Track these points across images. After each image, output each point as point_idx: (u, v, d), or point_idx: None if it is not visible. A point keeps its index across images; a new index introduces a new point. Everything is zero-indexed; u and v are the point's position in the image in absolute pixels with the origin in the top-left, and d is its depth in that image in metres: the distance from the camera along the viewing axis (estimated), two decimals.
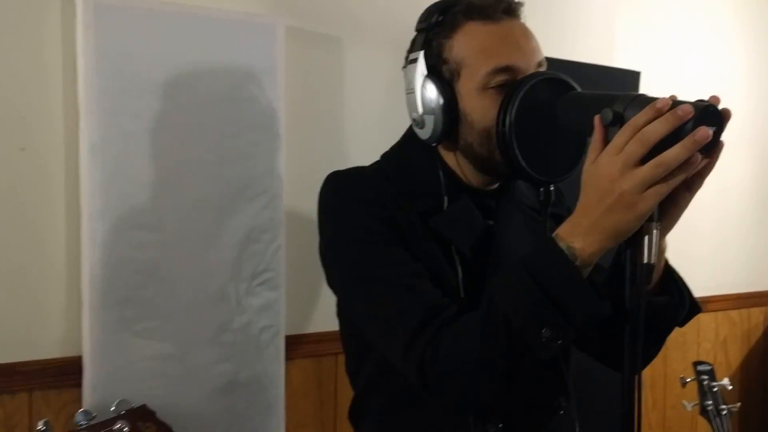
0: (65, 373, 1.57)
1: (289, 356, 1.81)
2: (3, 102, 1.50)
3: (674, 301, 1.03)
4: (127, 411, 0.89)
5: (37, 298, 1.56)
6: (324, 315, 1.88)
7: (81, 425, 0.86)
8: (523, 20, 1.12)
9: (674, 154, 0.81)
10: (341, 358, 1.93)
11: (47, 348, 1.57)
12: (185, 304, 1.63)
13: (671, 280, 1.04)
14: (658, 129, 0.82)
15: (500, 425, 1.03)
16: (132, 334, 1.57)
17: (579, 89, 1.05)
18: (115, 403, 0.89)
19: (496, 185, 1.16)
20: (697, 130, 0.81)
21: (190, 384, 1.63)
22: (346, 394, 1.94)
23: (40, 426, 0.84)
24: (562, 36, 2.26)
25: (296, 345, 1.83)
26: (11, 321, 1.54)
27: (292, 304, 1.79)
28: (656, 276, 1.02)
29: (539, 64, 1.09)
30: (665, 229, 0.93)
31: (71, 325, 1.58)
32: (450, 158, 1.14)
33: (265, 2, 1.77)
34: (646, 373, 2.44)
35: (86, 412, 0.87)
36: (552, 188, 1.08)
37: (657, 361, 2.59)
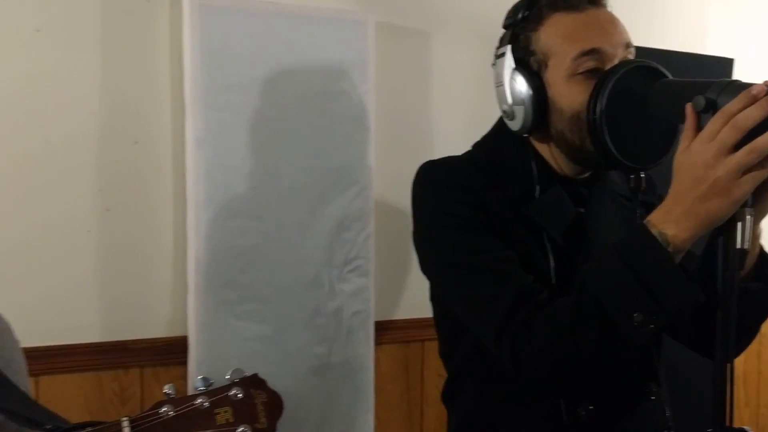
0: (172, 351, 1.69)
1: (378, 341, 1.88)
2: (119, 100, 1.62)
3: (762, 283, 1.03)
4: (241, 379, 0.97)
5: (147, 281, 1.68)
6: (411, 302, 1.94)
7: (200, 390, 0.94)
8: (609, 9, 1.13)
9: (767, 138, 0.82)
10: (428, 345, 1.99)
11: (156, 328, 1.70)
12: (282, 289, 1.71)
13: (766, 266, 1.04)
14: (753, 115, 0.83)
15: (591, 407, 1.06)
16: (233, 316, 1.68)
17: (670, 77, 1.06)
18: (230, 371, 0.97)
19: (587, 174, 1.18)
20: None
21: (286, 365, 1.72)
22: (433, 380, 2.01)
23: (166, 389, 0.93)
24: (649, 24, 2.23)
25: (385, 330, 1.90)
26: (124, 302, 1.67)
27: (380, 291, 1.86)
28: (750, 262, 1.02)
29: (627, 46, 1.10)
30: (759, 215, 0.93)
31: (177, 307, 1.69)
32: (543, 148, 1.16)
33: None
34: (739, 368, 2.39)
35: (205, 379, 0.95)
36: (642, 176, 1.09)
37: (751, 357, 2.54)
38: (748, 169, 0.84)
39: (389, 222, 1.86)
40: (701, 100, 0.90)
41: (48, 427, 0.92)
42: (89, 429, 0.91)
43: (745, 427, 0.93)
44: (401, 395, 1.98)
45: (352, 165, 1.78)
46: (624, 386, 1.11)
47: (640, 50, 1.15)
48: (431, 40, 1.94)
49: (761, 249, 1.04)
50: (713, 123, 0.87)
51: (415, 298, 1.73)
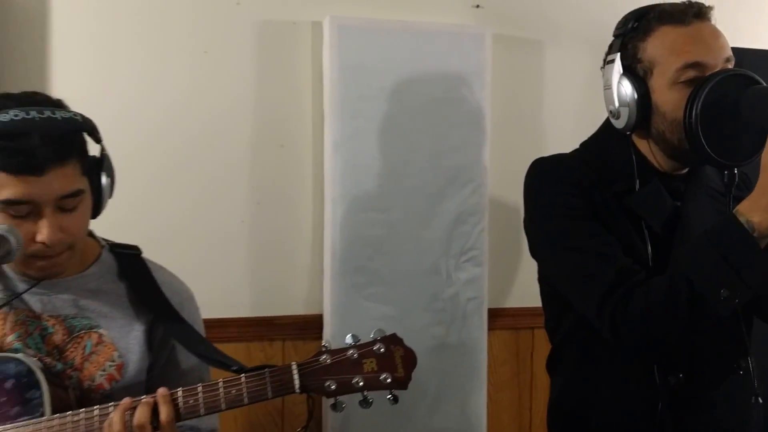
0: (309, 327, 1.93)
1: (491, 327, 2.04)
2: (268, 109, 1.88)
3: None
4: (383, 336, 1.17)
5: (289, 266, 1.93)
6: (522, 292, 2.10)
7: (350, 344, 1.15)
8: (713, 22, 1.26)
9: None
10: (537, 333, 2.15)
11: (296, 306, 1.95)
12: (404, 275, 1.92)
13: None
14: None
15: (680, 375, 1.20)
16: (362, 298, 1.90)
17: (763, 84, 1.18)
18: (374, 330, 1.18)
19: (685, 170, 1.31)
20: None
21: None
22: (542, 366, 2.15)
23: (324, 343, 1.15)
24: (756, 26, 2.27)
25: (497, 317, 2.07)
26: (270, 283, 1.93)
27: (493, 280, 2.03)
28: None
29: (727, 60, 1.22)
30: None
31: (315, 288, 1.94)
32: (643, 145, 1.30)
33: (475, 14, 2.02)
34: None
35: (354, 336, 1.16)
36: (736, 172, 1.21)
37: None
38: None
39: (502, 217, 2.03)
40: None
41: (234, 368, 1.17)
42: (267, 369, 1.15)
43: None
44: (511, 378, 2.14)
45: (468, 164, 1.96)
46: (714, 360, 1.24)
47: (744, 52, 1.25)
48: (545, 48, 2.09)
49: None
50: None
51: (526, 288, 1.87)
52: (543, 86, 2.09)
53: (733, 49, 1.27)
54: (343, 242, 1.88)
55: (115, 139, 1.35)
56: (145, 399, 1.13)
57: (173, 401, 1.13)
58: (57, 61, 1.74)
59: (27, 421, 1.15)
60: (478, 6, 2.02)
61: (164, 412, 1.12)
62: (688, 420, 1.22)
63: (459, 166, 1.96)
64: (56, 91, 1.67)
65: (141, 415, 1.11)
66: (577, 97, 2.10)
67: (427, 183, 1.94)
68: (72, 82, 1.73)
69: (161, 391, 1.14)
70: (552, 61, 2.09)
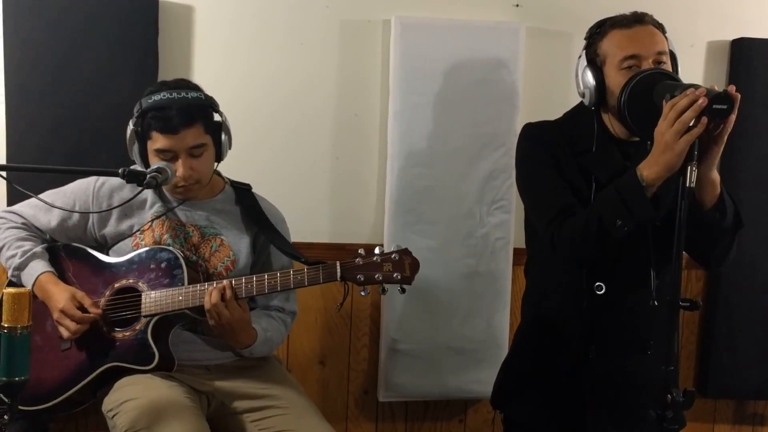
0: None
1: (515, 263, 2.56)
2: (347, 86, 2.47)
3: (718, 213, 1.60)
4: (398, 249, 1.75)
5: (359, 206, 2.52)
6: None
7: (377, 253, 1.75)
8: (652, 27, 1.73)
9: (688, 115, 1.45)
10: None
11: (362, 237, 2.54)
12: (446, 217, 2.48)
13: (722, 202, 1.61)
14: (684, 102, 1.45)
15: (601, 284, 1.71)
16: (412, 233, 2.48)
17: (677, 79, 1.64)
18: (394, 245, 1.77)
19: (637, 138, 1.78)
20: (701, 101, 1.42)
21: (447, 269, 2.49)
22: None
23: (360, 251, 1.76)
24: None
25: (521, 255, 2.54)
26: (344, 219, 2.52)
27: (518, 225, 2.52)
28: (713, 200, 1.59)
29: (659, 53, 1.69)
30: (708, 168, 1.53)
31: (377, 224, 2.53)
32: (606, 118, 1.79)
33: (514, 11, 2.51)
34: None
35: (380, 247, 1.76)
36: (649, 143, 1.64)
37: None
38: (682, 134, 1.46)
39: None
40: (668, 97, 1.52)
41: (303, 260, 1.81)
42: (321, 264, 1.77)
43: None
44: None
45: (501, 132, 2.47)
46: (626, 273, 1.74)
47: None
48: (573, 39, 2.54)
49: (722, 191, 1.61)
50: (666, 108, 1.49)
51: None
52: (569, 71, 2.52)
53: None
54: (399, 190, 2.46)
55: (237, 109, 1.97)
56: (218, 285, 1.74)
57: (234, 287, 1.74)
58: (197, 54, 2.39)
59: (173, 288, 1.82)
60: (517, 5, 2.51)
61: (227, 294, 1.74)
62: (604, 317, 1.75)
63: (493, 133, 2.47)
64: (197, 76, 2.36)
65: (214, 296, 1.73)
66: None
67: (467, 146, 2.47)
68: (208, 69, 2.38)
69: (226, 282, 1.76)
70: (577, 49, 2.51)
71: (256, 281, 1.77)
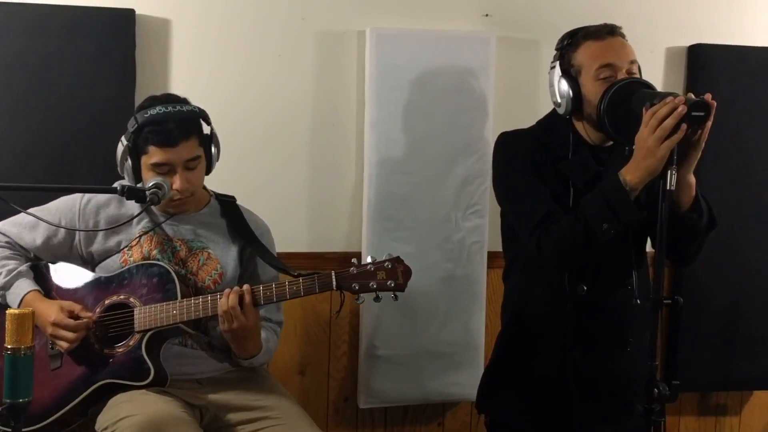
0: (349, 260, 2.55)
1: (489, 265, 2.61)
2: (324, 97, 2.50)
3: (695, 214, 1.70)
4: (391, 258, 1.79)
5: (336, 213, 2.56)
6: None
7: (370, 261, 1.78)
8: (622, 38, 1.82)
9: (669, 122, 1.53)
10: None
11: (339, 244, 2.57)
12: (423, 222, 2.53)
13: (698, 204, 1.71)
14: (664, 110, 1.54)
15: (584, 286, 1.79)
16: (390, 239, 2.51)
17: (653, 88, 1.72)
18: (386, 253, 1.80)
19: (610, 143, 1.86)
20: (680, 109, 1.50)
21: (424, 274, 2.54)
22: None
23: (354, 260, 1.79)
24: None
25: (494, 258, 2.61)
26: (322, 227, 2.55)
27: (492, 229, 2.59)
28: (689, 201, 1.69)
29: (631, 62, 1.78)
30: (686, 171, 1.62)
31: (355, 231, 2.56)
32: (579, 126, 1.87)
33: (484, 21, 2.58)
34: None
35: (372, 257, 1.80)
36: (629, 147, 1.70)
37: None
38: (663, 139, 1.54)
39: None
40: (648, 105, 1.60)
41: (295, 273, 1.83)
42: (316, 274, 1.79)
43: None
44: None
45: (474, 139, 2.53)
46: (608, 276, 1.82)
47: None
48: (541, 47, 2.63)
49: (697, 193, 1.71)
50: (647, 116, 1.57)
51: None
52: (538, 78, 2.63)
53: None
54: (377, 197, 2.50)
55: (214, 120, 1.96)
56: (236, 289, 1.77)
57: (254, 292, 1.77)
58: (175, 66, 2.39)
59: (167, 303, 1.82)
60: (487, 15, 2.58)
61: (247, 299, 1.76)
62: (587, 318, 1.82)
63: (467, 139, 2.53)
64: (174, 88, 2.35)
65: (233, 299, 1.75)
66: None
67: (442, 152, 2.52)
68: (185, 82, 2.37)
69: (246, 286, 1.79)
70: (546, 56, 2.58)
71: (275, 288, 1.78)
